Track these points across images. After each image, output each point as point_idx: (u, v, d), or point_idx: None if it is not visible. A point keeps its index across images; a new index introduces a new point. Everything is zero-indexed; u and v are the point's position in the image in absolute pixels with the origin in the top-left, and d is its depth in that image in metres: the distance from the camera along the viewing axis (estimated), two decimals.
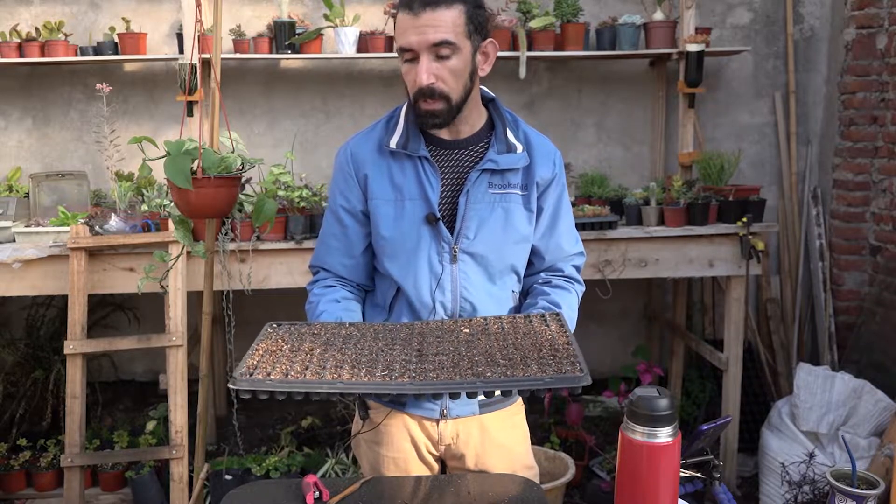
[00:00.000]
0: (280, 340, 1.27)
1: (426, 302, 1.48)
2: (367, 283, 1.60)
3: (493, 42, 1.47)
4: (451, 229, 1.48)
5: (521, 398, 1.63)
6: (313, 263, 1.62)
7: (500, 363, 1.13)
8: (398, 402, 1.53)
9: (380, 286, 1.58)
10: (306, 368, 1.14)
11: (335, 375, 1.11)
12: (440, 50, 1.36)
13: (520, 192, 1.50)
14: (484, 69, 1.46)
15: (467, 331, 1.31)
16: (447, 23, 1.36)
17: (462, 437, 1.55)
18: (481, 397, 1.53)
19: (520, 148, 1.50)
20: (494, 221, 1.48)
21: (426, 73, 1.37)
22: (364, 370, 1.13)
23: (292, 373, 1.12)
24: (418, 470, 1.56)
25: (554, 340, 1.23)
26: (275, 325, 1.37)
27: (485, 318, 1.39)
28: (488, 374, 1.09)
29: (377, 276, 1.58)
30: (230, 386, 1.11)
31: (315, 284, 1.60)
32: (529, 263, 1.59)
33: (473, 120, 1.50)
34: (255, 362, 1.17)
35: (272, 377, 1.10)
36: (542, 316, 1.38)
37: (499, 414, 1.57)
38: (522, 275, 1.59)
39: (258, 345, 1.25)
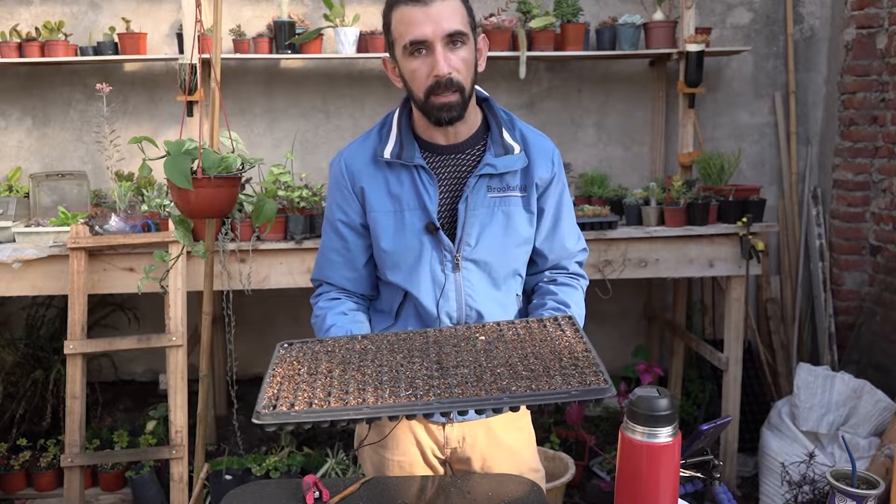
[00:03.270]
0: (295, 363, 1.24)
1: (430, 312, 1.47)
2: (371, 293, 1.59)
3: (484, 38, 1.47)
4: (452, 237, 1.46)
5: None
6: (315, 277, 1.60)
7: (524, 375, 1.11)
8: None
9: (385, 293, 1.56)
10: (329, 394, 1.10)
11: (359, 400, 1.08)
12: (455, 39, 1.34)
13: (519, 195, 1.48)
14: (480, 64, 1.45)
15: (483, 338, 1.29)
16: (457, 12, 1.35)
17: (468, 441, 1.54)
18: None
19: (517, 149, 1.47)
20: (495, 226, 1.46)
21: (445, 62, 1.34)
22: (388, 390, 1.10)
23: (316, 401, 1.09)
24: (423, 473, 1.55)
25: (573, 348, 1.21)
26: (286, 346, 1.33)
27: (498, 324, 1.36)
28: (513, 388, 1.07)
29: (381, 283, 1.57)
30: (255, 421, 1.07)
31: (319, 298, 1.58)
32: (532, 263, 1.58)
33: (472, 120, 1.47)
34: (275, 392, 1.13)
35: (296, 407, 1.07)
36: (556, 320, 1.35)
37: (505, 417, 1.55)
38: (524, 276, 1.57)
39: (274, 370, 1.21)
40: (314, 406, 1.07)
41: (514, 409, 1.10)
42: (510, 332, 1.31)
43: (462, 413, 1.11)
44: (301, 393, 1.12)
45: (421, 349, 1.25)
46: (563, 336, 1.27)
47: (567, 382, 1.08)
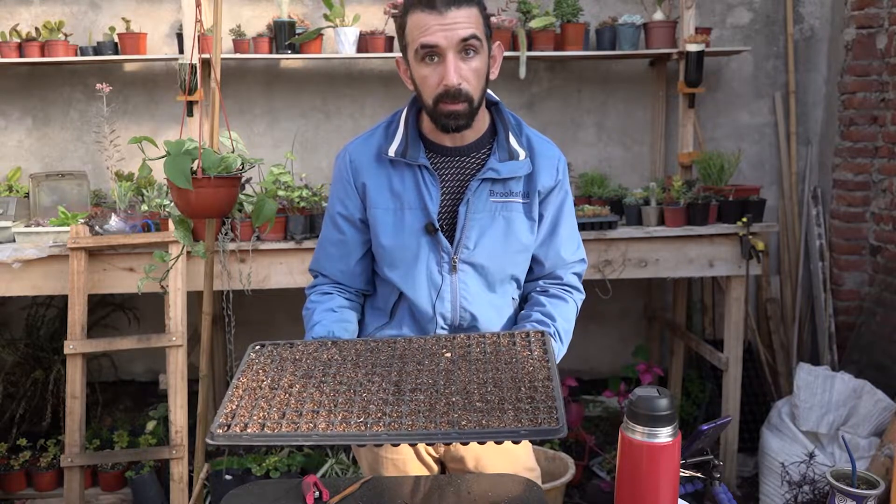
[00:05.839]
0: (261, 372, 1.27)
1: (426, 312, 1.48)
2: (366, 288, 1.59)
3: (499, 45, 1.47)
4: (451, 239, 1.46)
5: None
6: (312, 267, 1.62)
7: (477, 407, 1.13)
8: None
9: (381, 290, 1.57)
10: (283, 416, 1.14)
11: (310, 425, 1.11)
12: (468, 45, 1.34)
13: (521, 201, 1.48)
14: (493, 72, 1.45)
15: (449, 355, 1.29)
16: (473, 19, 1.35)
17: None
18: None
19: (522, 155, 1.47)
20: (495, 231, 1.46)
21: (455, 72, 1.34)
22: (341, 415, 1.13)
23: (269, 423, 1.12)
24: (417, 471, 1.56)
25: (534, 375, 1.21)
26: (258, 347, 1.35)
27: (468, 337, 1.36)
28: (463, 422, 1.09)
29: (378, 280, 1.57)
30: (207, 441, 1.12)
31: (313, 290, 1.59)
32: (529, 270, 1.57)
33: (479, 124, 1.47)
34: (233, 407, 1.17)
35: (249, 429, 1.11)
36: (527, 336, 1.35)
37: None
38: (523, 281, 1.57)
39: (238, 380, 1.24)
40: (265, 430, 1.11)
41: (464, 443, 1.12)
42: (478, 349, 1.31)
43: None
44: (257, 412, 1.15)
45: (385, 364, 1.27)
46: (530, 358, 1.27)
47: (518, 419, 1.09)
